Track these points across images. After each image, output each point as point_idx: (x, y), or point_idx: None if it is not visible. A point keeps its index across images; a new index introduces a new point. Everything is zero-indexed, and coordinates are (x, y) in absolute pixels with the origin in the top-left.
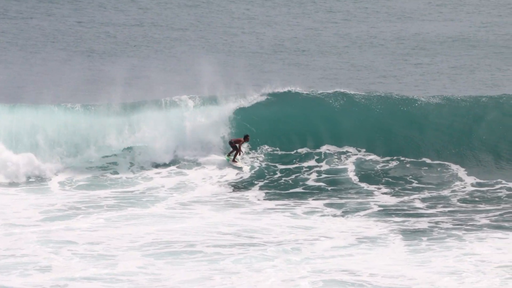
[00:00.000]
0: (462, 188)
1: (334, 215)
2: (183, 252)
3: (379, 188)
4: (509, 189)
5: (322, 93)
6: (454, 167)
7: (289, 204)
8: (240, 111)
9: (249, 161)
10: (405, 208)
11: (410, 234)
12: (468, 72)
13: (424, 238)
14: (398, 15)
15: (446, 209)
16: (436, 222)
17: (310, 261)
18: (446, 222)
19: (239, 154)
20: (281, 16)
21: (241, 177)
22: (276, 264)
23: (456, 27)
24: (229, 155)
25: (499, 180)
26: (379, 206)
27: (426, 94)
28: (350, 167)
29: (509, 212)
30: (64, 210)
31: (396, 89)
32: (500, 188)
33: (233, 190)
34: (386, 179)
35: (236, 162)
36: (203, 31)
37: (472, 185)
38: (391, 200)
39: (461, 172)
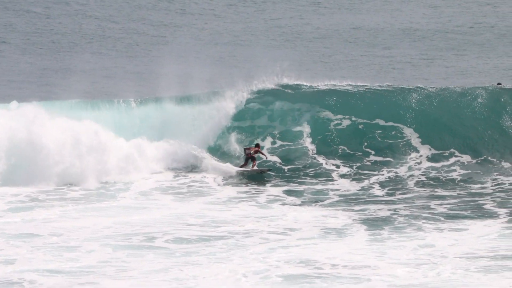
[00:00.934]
0: (418, 163)
1: (295, 204)
2: (146, 243)
3: (338, 167)
4: (462, 165)
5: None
6: (407, 131)
7: (250, 192)
8: None
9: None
10: (365, 196)
11: (372, 223)
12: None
13: (386, 228)
14: None
15: (404, 196)
16: (395, 210)
17: (273, 252)
18: (404, 210)
19: (254, 162)
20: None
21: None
22: (238, 256)
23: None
24: (242, 166)
25: (452, 151)
26: (340, 195)
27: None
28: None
29: (464, 200)
30: (26, 202)
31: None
32: (454, 163)
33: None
34: (342, 147)
35: (253, 168)
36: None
37: (428, 158)
38: (351, 188)
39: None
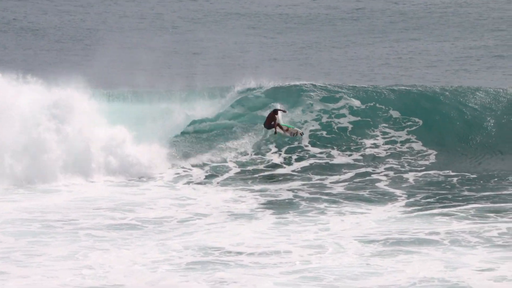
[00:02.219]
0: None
1: (201, 183)
2: (53, 229)
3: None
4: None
5: None
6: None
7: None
8: None
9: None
10: (266, 173)
11: (276, 207)
12: None
13: (290, 212)
14: None
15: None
16: (296, 191)
17: (179, 239)
18: (306, 191)
19: (277, 125)
20: None
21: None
22: (144, 242)
23: None
24: (276, 131)
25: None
26: (240, 172)
27: None
28: None
29: (360, 181)
30: None
31: None
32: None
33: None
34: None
35: (289, 130)
36: None
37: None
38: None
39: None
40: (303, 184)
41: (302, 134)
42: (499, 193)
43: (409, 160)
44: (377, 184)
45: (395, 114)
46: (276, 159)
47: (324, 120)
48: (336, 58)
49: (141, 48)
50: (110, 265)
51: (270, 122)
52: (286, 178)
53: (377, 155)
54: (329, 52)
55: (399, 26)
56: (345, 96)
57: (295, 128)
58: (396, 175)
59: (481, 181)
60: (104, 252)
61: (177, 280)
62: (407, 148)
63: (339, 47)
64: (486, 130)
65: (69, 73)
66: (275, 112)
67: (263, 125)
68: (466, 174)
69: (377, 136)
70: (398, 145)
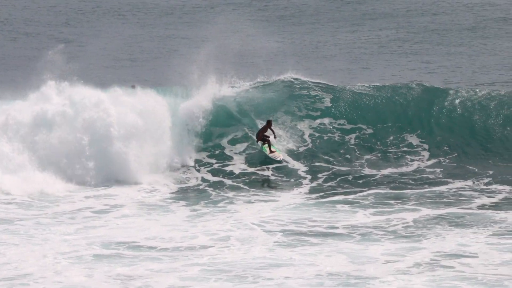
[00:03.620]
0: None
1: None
2: None
3: None
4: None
5: None
6: None
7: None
8: None
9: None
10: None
11: (187, 198)
12: None
13: (202, 202)
14: None
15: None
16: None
17: (89, 232)
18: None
19: (269, 142)
20: None
21: None
22: (54, 235)
23: None
24: (271, 152)
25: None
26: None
27: None
28: None
29: (268, 168)
30: None
31: None
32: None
33: None
34: None
35: (274, 152)
36: None
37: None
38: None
39: None
40: (210, 173)
41: (281, 159)
42: (400, 177)
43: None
44: (284, 171)
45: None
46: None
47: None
48: None
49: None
50: (20, 258)
51: (263, 133)
52: (196, 168)
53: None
54: None
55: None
56: None
57: (280, 153)
58: (306, 162)
59: (383, 165)
60: (14, 245)
61: (82, 273)
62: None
63: None
64: (384, 114)
65: None
66: (268, 123)
67: (255, 138)
68: (368, 158)
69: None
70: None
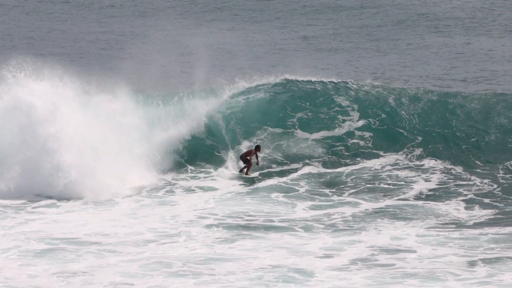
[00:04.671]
0: None
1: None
2: None
3: None
4: None
5: None
6: None
7: None
8: None
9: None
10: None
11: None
12: None
13: (143, 193)
14: None
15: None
16: None
17: (28, 226)
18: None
19: (250, 166)
20: None
21: None
22: None
23: None
24: (241, 170)
25: None
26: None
27: None
28: None
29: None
30: None
31: None
32: None
33: None
34: None
35: (248, 175)
36: None
37: None
38: None
39: None
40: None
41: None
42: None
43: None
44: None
45: None
46: None
47: None
48: None
49: None
50: None
51: (248, 156)
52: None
53: None
54: None
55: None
56: None
57: (249, 174)
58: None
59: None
60: None
61: (23, 271)
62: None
63: None
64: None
65: None
66: (257, 148)
67: (239, 155)
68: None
69: None
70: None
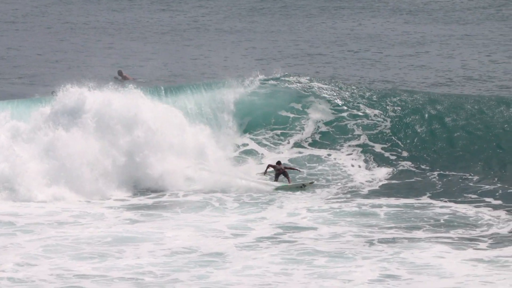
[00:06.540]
0: None
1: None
2: None
3: None
4: None
5: None
6: None
7: None
8: None
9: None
10: None
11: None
12: None
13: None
14: None
15: None
16: None
17: None
18: None
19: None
20: None
21: None
22: None
23: None
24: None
25: None
26: None
27: None
28: None
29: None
30: None
31: None
32: None
33: None
34: None
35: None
36: None
37: None
38: None
39: None
40: None
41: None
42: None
43: None
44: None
45: None
46: None
47: None
48: None
49: None
50: None
51: (282, 168)
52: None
53: None
54: None
55: None
56: None
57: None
58: None
59: None
60: None
61: None
62: None
63: None
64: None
65: None
66: (278, 163)
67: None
68: None
69: None
70: None
